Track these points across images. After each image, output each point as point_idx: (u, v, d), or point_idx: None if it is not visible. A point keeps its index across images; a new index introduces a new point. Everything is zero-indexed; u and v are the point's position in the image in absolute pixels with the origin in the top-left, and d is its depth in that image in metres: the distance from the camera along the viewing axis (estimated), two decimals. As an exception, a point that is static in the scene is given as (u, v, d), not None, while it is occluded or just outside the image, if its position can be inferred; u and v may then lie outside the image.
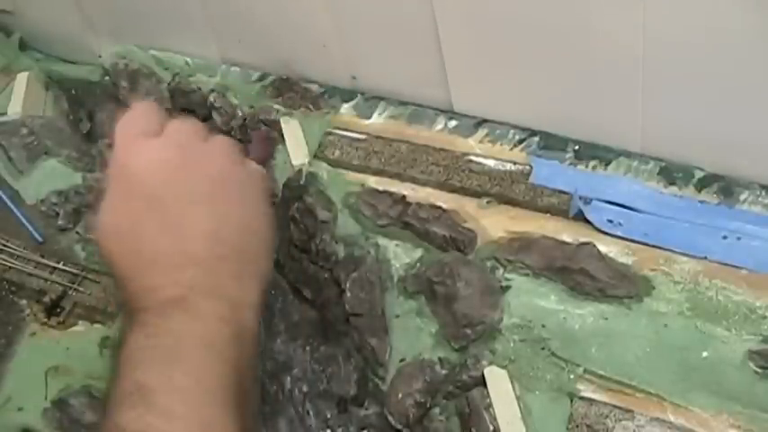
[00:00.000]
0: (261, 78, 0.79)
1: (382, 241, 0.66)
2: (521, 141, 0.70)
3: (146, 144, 0.46)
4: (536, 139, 0.69)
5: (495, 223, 0.65)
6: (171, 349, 0.40)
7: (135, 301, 0.43)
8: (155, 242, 0.44)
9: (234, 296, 0.44)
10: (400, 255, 0.65)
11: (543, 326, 0.58)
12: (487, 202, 0.67)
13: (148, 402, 0.38)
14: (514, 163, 0.68)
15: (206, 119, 0.77)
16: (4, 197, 0.75)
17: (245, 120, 0.75)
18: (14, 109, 0.78)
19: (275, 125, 0.73)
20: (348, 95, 0.76)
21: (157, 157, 0.46)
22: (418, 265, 0.64)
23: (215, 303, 0.43)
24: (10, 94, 0.80)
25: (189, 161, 0.46)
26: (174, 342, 0.41)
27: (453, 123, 0.72)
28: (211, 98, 0.76)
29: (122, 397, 0.39)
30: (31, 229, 0.73)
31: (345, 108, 0.75)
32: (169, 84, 0.79)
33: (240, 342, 0.43)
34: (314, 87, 0.77)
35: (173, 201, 0.45)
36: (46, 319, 0.68)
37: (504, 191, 0.67)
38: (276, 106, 0.75)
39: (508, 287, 0.61)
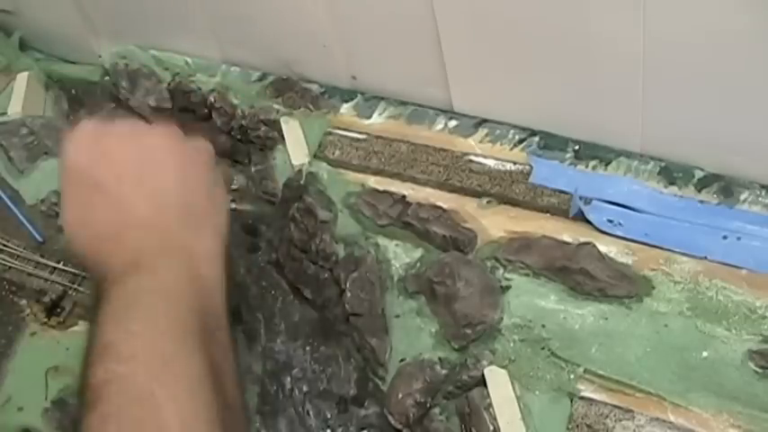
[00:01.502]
0: (261, 78, 0.79)
1: (382, 241, 0.66)
2: (521, 141, 0.69)
3: (84, 140, 0.51)
4: (536, 139, 0.69)
5: (495, 223, 0.65)
6: (126, 306, 0.43)
7: (101, 283, 0.46)
8: (103, 221, 0.48)
9: (185, 248, 0.48)
10: (400, 255, 0.65)
11: (543, 326, 0.58)
12: (487, 202, 0.67)
13: (110, 354, 0.41)
14: (514, 163, 0.68)
15: (206, 119, 0.77)
16: (4, 197, 0.74)
17: (245, 120, 0.75)
18: (14, 109, 0.78)
19: (275, 125, 0.73)
20: (348, 95, 0.76)
21: (93, 148, 0.50)
22: (418, 265, 0.64)
23: (166, 259, 0.46)
24: (10, 94, 0.80)
25: (121, 145, 0.51)
26: (129, 299, 0.43)
27: (453, 123, 0.72)
28: (211, 98, 0.76)
29: (91, 359, 0.42)
30: (31, 229, 0.73)
31: (345, 108, 0.75)
32: (169, 84, 0.79)
33: (199, 288, 0.46)
34: (314, 87, 0.77)
35: (112, 182, 0.49)
36: (46, 319, 0.68)
37: (504, 191, 0.67)
38: (276, 106, 0.75)
39: (508, 287, 0.61)
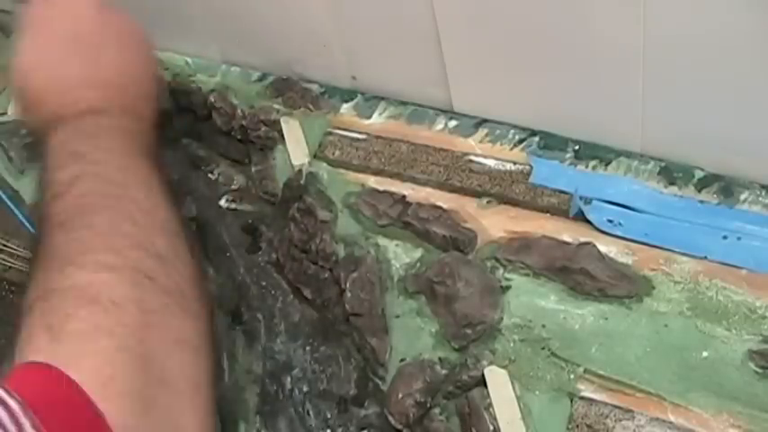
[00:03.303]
0: (261, 78, 0.79)
1: (382, 241, 0.65)
2: (521, 141, 0.69)
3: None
4: (536, 138, 0.68)
5: (495, 223, 0.65)
6: (93, 132, 0.51)
7: (50, 119, 0.52)
8: (74, 69, 0.55)
9: (136, 111, 0.56)
10: (400, 255, 0.65)
11: (543, 326, 0.58)
12: (487, 202, 0.66)
13: (80, 160, 0.48)
14: (514, 163, 0.68)
15: (206, 119, 0.76)
16: (4, 197, 0.74)
17: (245, 120, 0.74)
18: (15, 109, 0.77)
19: (275, 125, 0.73)
20: (348, 95, 0.75)
21: (74, 7, 0.58)
22: (418, 265, 0.64)
23: (123, 115, 0.54)
24: (10, 94, 0.80)
25: (96, 13, 0.58)
26: (93, 129, 0.51)
27: (453, 123, 0.71)
28: (211, 98, 0.75)
29: (59, 162, 0.48)
30: (30, 228, 0.72)
31: (345, 108, 0.75)
32: (169, 83, 0.79)
33: (144, 139, 0.54)
34: (314, 87, 0.77)
35: (89, 39, 0.56)
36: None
37: (504, 191, 0.66)
38: (276, 106, 0.75)
39: (508, 287, 0.61)
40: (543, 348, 0.57)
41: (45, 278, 0.42)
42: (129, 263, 0.42)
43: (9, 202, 0.73)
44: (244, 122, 0.74)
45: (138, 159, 0.50)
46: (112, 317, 0.40)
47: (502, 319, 0.59)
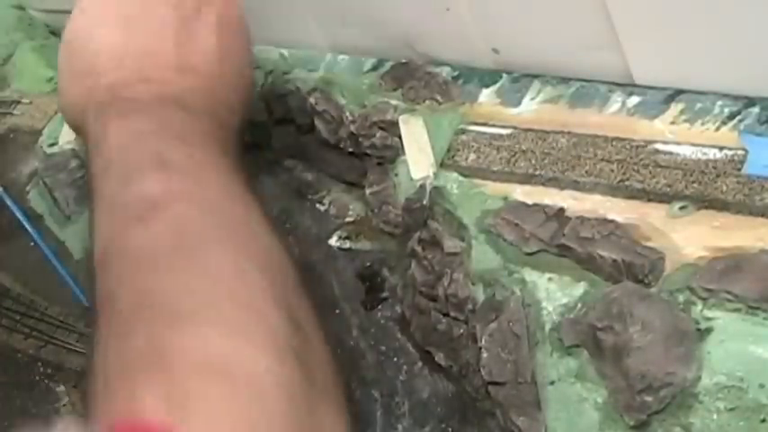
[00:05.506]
0: (375, 67, 0.65)
1: (531, 275, 0.52)
2: (732, 116, 0.53)
3: None
4: (755, 110, 0.52)
5: (690, 238, 0.50)
6: (180, 132, 0.40)
7: (113, 93, 0.42)
8: (164, 40, 0.45)
9: (230, 113, 0.47)
10: (554, 293, 0.51)
11: (762, 386, 0.44)
12: (681, 209, 0.51)
13: (168, 169, 0.37)
14: (721, 148, 0.52)
15: (309, 129, 0.64)
16: (47, 251, 0.63)
17: (354, 124, 0.61)
18: (66, 138, 0.66)
19: (394, 128, 0.59)
20: (489, 78, 0.61)
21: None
22: (578, 306, 0.50)
23: (214, 116, 0.44)
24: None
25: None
26: (180, 127, 0.41)
27: (634, 101, 0.56)
28: (312, 100, 0.62)
29: (135, 165, 0.38)
30: (76, 290, 0.61)
31: (485, 95, 0.60)
32: (262, 86, 0.67)
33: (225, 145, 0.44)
34: (443, 72, 0.62)
35: (177, 11, 0.46)
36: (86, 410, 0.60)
37: (706, 189, 0.51)
38: (394, 102, 0.60)
39: (708, 330, 0.46)
40: (764, 421, 0.44)
41: (146, 332, 0.32)
42: (268, 329, 0.32)
43: (53, 258, 0.62)
44: (353, 128, 0.60)
45: (240, 181, 0.40)
46: (255, 405, 0.30)
47: (699, 378, 0.45)
